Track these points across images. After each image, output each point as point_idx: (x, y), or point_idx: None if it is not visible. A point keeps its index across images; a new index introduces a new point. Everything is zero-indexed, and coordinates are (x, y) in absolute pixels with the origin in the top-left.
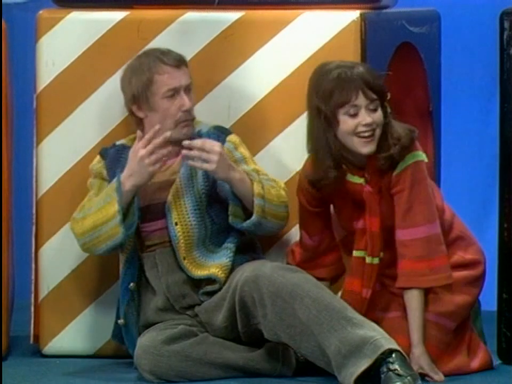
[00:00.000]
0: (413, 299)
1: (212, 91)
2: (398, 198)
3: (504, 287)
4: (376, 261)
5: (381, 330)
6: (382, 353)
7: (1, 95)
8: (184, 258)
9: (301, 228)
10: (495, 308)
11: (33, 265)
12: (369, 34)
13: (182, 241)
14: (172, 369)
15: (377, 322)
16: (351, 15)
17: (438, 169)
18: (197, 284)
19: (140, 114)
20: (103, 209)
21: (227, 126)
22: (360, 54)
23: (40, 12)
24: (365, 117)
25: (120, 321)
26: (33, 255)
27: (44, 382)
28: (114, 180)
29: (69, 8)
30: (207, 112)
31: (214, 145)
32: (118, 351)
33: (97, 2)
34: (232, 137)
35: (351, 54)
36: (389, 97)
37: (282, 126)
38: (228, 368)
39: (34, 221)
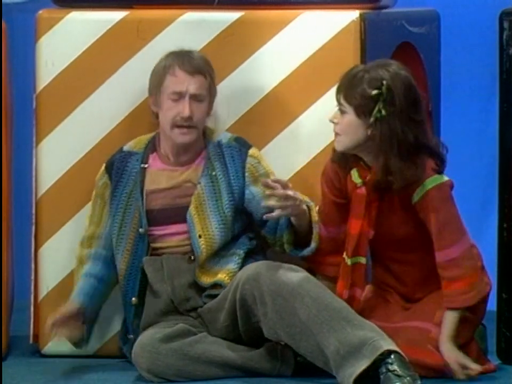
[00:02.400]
0: (450, 318)
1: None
2: (427, 224)
3: (504, 287)
4: (349, 262)
5: (380, 331)
6: (381, 354)
7: (1, 95)
8: (199, 268)
9: (318, 216)
10: (494, 308)
11: (32, 265)
12: (369, 34)
13: (204, 254)
14: (169, 367)
15: (391, 332)
16: (351, 15)
17: None
18: (202, 287)
19: (153, 108)
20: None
21: (227, 126)
22: (360, 54)
23: (40, 12)
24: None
25: (130, 336)
26: (32, 255)
27: (43, 382)
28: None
29: (69, 8)
30: None
31: (288, 190)
32: (117, 351)
33: (97, 2)
34: (254, 151)
35: (351, 54)
36: (382, 112)
37: (282, 126)
38: (226, 367)
39: (33, 221)
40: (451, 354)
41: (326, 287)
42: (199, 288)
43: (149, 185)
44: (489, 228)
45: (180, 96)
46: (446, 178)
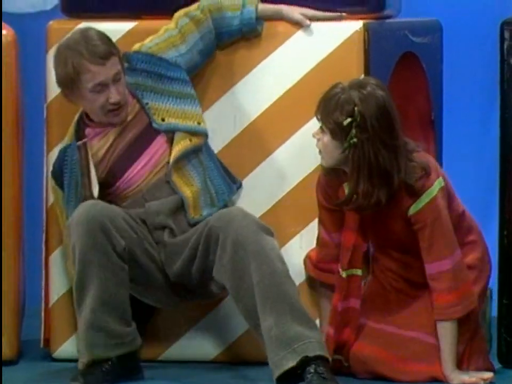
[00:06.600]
0: (446, 331)
1: (217, 101)
2: (421, 235)
3: (505, 292)
4: (344, 274)
5: (319, 334)
6: (309, 357)
7: (13, 105)
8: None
9: (319, 223)
10: (495, 313)
11: (43, 272)
12: (373, 44)
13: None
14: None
15: (393, 339)
16: (355, 25)
17: None
18: (176, 210)
19: (72, 99)
20: None
21: (233, 136)
22: (364, 64)
23: (50, 22)
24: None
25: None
26: (43, 261)
27: None
28: None
29: (78, 19)
30: (213, 122)
31: None
32: None
33: (106, 13)
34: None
35: (355, 64)
36: (354, 139)
37: (286, 136)
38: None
39: (44, 228)
40: (461, 380)
41: (324, 295)
42: (173, 208)
43: (97, 152)
44: (489, 234)
45: (101, 86)
46: (437, 188)
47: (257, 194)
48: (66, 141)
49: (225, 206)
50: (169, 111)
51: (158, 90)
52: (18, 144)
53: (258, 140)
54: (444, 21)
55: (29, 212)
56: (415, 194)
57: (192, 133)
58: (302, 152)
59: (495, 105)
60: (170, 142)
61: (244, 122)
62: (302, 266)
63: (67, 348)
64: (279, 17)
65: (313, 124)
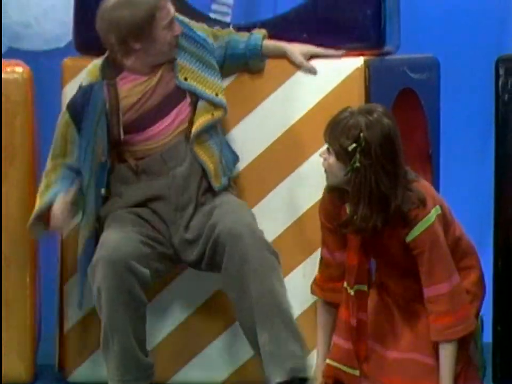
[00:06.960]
0: (446, 352)
1: (225, 136)
2: (419, 260)
3: (499, 319)
4: (352, 292)
5: (307, 354)
6: (297, 377)
7: (29, 141)
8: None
9: (322, 244)
10: (490, 340)
11: (58, 299)
12: (373, 81)
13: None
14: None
15: (394, 362)
16: (356, 62)
17: None
18: (197, 184)
19: (137, 46)
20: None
21: (240, 168)
22: (365, 99)
23: (65, 60)
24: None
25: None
26: (58, 289)
27: None
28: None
29: (92, 56)
30: None
31: None
32: None
33: None
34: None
35: (356, 100)
36: (356, 164)
37: (290, 170)
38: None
39: (59, 258)
40: None
41: (327, 312)
42: (195, 185)
43: (127, 97)
44: (484, 262)
45: (171, 20)
46: (434, 216)
47: (262, 225)
48: (89, 80)
49: (231, 175)
50: (193, 73)
51: (188, 51)
52: (35, 179)
53: (262, 175)
54: (440, 56)
55: (44, 243)
56: (409, 223)
57: (213, 105)
58: (305, 185)
59: (490, 140)
60: (193, 106)
61: (249, 158)
62: (305, 295)
63: (81, 372)
64: (282, 55)
65: (316, 158)
